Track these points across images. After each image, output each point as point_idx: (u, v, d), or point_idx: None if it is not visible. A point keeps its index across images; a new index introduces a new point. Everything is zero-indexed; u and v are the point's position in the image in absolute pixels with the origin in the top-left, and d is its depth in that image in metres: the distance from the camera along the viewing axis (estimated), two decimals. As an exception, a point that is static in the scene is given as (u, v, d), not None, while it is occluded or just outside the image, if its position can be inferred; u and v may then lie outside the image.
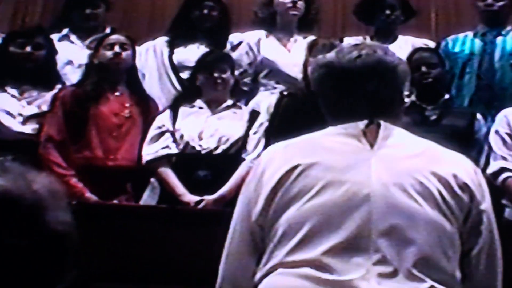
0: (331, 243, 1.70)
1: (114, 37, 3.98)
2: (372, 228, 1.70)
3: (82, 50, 4.35)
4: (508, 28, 4.34)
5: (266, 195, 1.79)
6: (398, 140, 1.85)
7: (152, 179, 3.84)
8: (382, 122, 1.85)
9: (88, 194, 3.62)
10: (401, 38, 4.49)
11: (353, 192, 1.74)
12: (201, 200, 3.57)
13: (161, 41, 4.45)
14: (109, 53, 3.88)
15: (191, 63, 4.07)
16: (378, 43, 2.09)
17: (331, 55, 1.93)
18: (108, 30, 4.44)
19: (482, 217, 1.81)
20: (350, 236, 1.70)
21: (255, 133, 3.78)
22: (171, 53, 4.39)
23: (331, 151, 1.81)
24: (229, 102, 3.86)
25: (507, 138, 3.65)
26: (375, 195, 1.73)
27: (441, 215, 1.74)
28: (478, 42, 4.33)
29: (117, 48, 3.88)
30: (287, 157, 1.82)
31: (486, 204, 1.83)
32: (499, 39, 4.30)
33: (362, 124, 1.84)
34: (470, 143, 3.78)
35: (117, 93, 3.89)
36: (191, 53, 4.25)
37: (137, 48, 4.12)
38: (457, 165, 1.83)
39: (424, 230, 1.72)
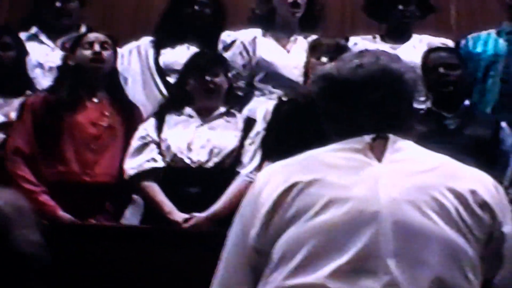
0: (336, 265, 1.70)
1: (93, 35, 3.96)
2: (381, 248, 1.70)
3: (54, 51, 4.34)
4: (538, 26, 4.35)
5: (263, 217, 1.79)
6: (409, 154, 1.85)
7: (135, 196, 3.84)
8: (390, 136, 1.86)
9: (61, 213, 3.63)
10: (415, 37, 4.47)
11: (359, 210, 1.74)
12: (190, 218, 3.58)
13: (146, 42, 4.44)
14: (87, 53, 3.86)
15: (180, 66, 4.05)
16: (385, 49, 2.11)
17: (331, 66, 1.95)
18: (83, 29, 4.40)
19: (505, 241, 1.80)
20: (356, 257, 1.70)
21: (251, 143, 3.77)
22: (157, 55, 4.39)
23: (333, 167, 1.81)
24: (222, 109, 3.85)
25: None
26: (383, 212, 1.73)
27: (459, 235, 1.74)
28: (502, 42, 4.32)
29: (97, 47, 3.87)
30: (285, 175, 1.83)
31: (510, 227, 1.82)
32: (527, 39, 4.31)
33: (368, 138, 1.85)
34: (494, 155, 3.79)
35: (95, 100, 3.87)
36: (180, 55, 4.24)
37: (118, 49, 4.11)
38: (476, 181, 1.82)
39: (439, 250, 1.71)
